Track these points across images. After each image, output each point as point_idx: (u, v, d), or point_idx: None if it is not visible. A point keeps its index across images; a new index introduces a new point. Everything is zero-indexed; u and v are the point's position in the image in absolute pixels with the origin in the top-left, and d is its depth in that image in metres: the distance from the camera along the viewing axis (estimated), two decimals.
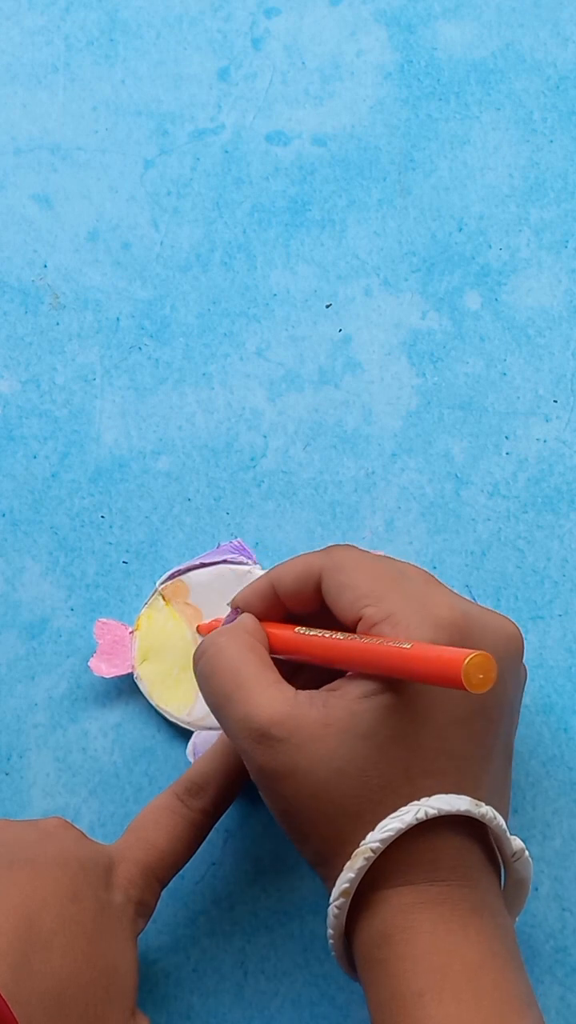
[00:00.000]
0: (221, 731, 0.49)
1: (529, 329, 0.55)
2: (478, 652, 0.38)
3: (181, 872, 0.46)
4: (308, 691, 0.42)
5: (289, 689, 0.43)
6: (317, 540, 0.53)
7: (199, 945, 0.49)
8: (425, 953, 0.40)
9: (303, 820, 0.42)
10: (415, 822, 0.40)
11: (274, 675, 0.43)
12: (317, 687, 0.43)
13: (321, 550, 0.46)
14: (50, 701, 0.51)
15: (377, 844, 0.40)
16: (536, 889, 0.49)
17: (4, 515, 0.53)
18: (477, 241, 0.56)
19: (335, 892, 0.41)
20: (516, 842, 0.43)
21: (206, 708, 0.50)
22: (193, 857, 0.46)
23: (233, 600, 0.48)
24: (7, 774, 0.51)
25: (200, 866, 0.49)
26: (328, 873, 0.42)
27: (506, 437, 0.53)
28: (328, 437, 0.54)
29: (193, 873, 0.49)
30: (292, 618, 0.47)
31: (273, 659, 0.45)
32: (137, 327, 0.55)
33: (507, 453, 0.53)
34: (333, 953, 0.43)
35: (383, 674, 0.41)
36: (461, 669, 0.37)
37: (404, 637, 0.41)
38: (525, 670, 0.46)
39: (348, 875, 0.41)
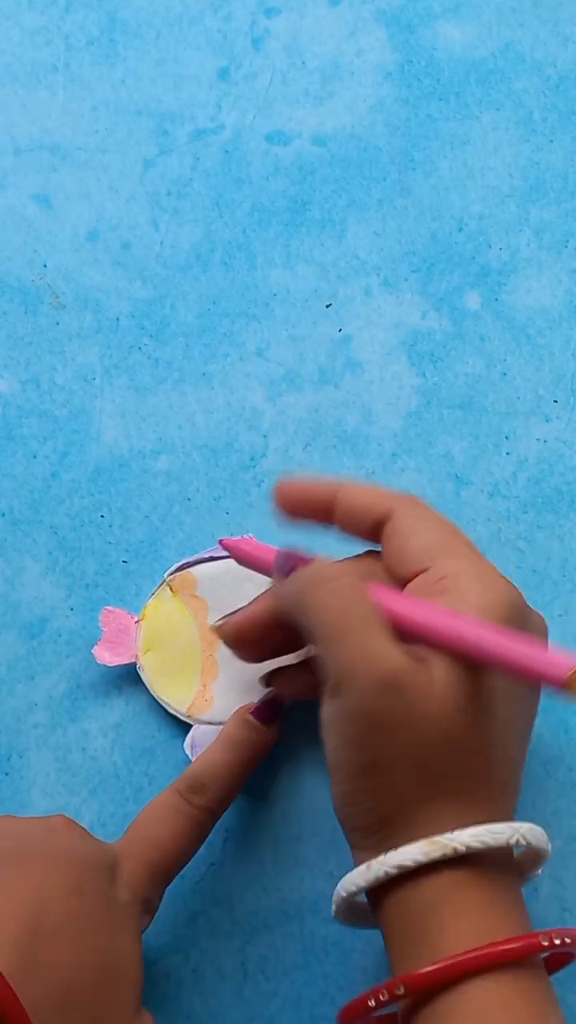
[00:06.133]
0: (221, 726, 0.49)
1: (529, 329, 0.55)
2: None
3: (181, 872, 0.46)
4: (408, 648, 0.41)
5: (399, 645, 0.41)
6: (317, 540, 0.53)
7: (199, 945, 0.49)
8: (469, 929, 0.39)
9: (389, 778, 0.41)
10: (505, 844, 0.40)
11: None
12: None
13: (393, 491, 0.45)
14: (50, 701, 0.51)
15: (463, 848, 0.40)
16: (536, 890, 0.49)
17: (4, 515, 0.53)
18: (477, 241, 0.56)
19: (413, 848, 0.40)
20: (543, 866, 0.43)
21: (206, 703, 0.50)
22: (193, 857, 0.46)
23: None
24: (7, 774, 0.51)
25: (200, 866, 0.49)
26: (389, 832, 0.41)
27: (506, 437, 0.53)
28: (328, 437, 0.54)
29: (193, 873, 0.49)
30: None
31: None
32: (137, 327, 0.55)
33: (507, 453, 0.53)
34: (352, 888, 0.41)
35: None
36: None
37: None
38: None
39: (424, 848, 0.40)
